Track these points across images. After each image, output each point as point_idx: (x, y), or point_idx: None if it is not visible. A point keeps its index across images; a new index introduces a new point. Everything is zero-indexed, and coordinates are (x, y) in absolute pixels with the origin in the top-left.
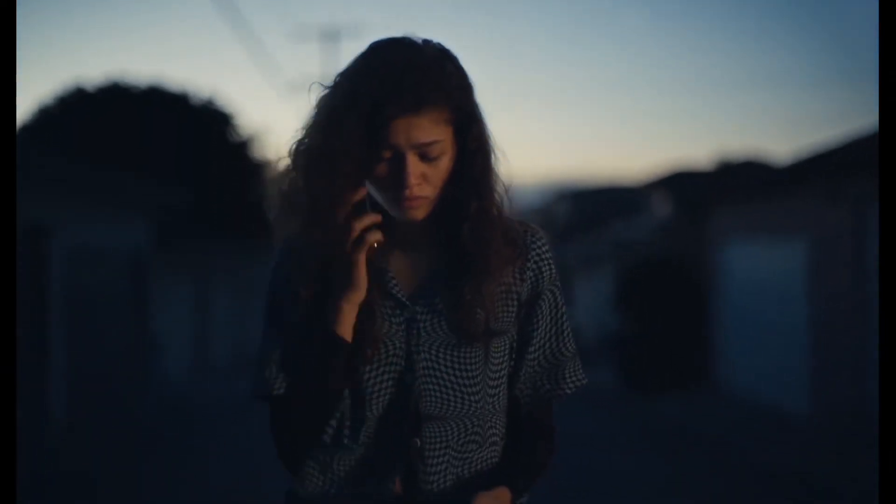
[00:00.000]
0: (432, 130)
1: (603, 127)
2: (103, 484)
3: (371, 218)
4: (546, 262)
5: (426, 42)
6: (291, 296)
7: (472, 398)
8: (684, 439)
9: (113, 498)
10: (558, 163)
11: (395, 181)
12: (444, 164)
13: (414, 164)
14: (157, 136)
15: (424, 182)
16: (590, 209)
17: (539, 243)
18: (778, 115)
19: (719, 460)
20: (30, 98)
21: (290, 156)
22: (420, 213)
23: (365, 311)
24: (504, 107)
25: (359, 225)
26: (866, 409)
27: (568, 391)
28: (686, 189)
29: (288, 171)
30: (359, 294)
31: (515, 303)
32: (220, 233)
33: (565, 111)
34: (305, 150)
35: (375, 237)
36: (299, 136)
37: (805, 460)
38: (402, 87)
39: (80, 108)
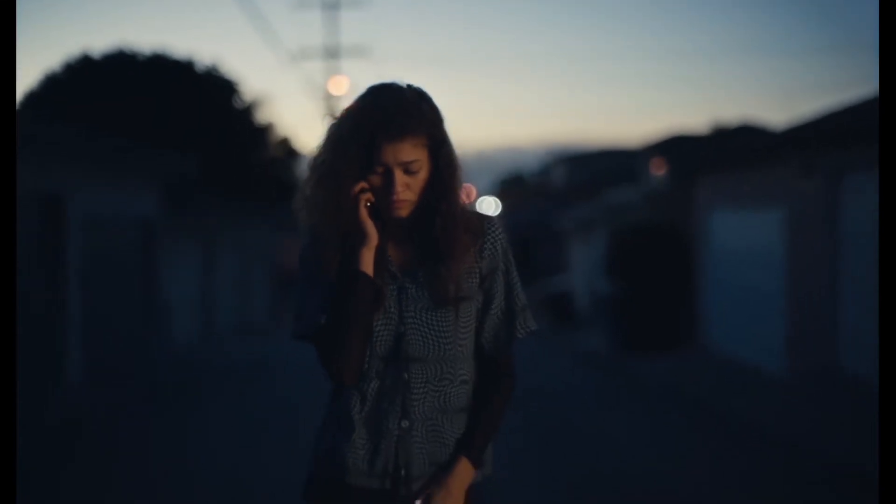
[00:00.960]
0: (412, 152)
1: (604, 92)
2: (118, 438)
3: (361, 184)
4: (499, 242)
5: (409, 86)
6: (322, 264)
7: (445, 347)
8: (669, 396)
9: (127, 451)
10: (559, 127)
11: (386, 189)
12: (422, 176)
13: (399, 177)
14: (163, 103)
15: (408, 189)
16: (587, 173)
17: (493, 229)
18: (774, 83)
19: (699, 415)
20: (37, 69)
21: (309, 168)
22: (404, 212)
23: (368, 279)
24: (507, 73)
25: (356, 190)
26: (836, 369)
27: (519, 336)
28: (681, 154)
29: (309, 178)
30: (372, 240)
31: (477, 276)
32: (225, 198)
33: (567, 77)
34: (320, 166)
35: (367, 196)
36: (316, 154)
37: (779, 416)
38: (390, 122)
39: (87, 75)
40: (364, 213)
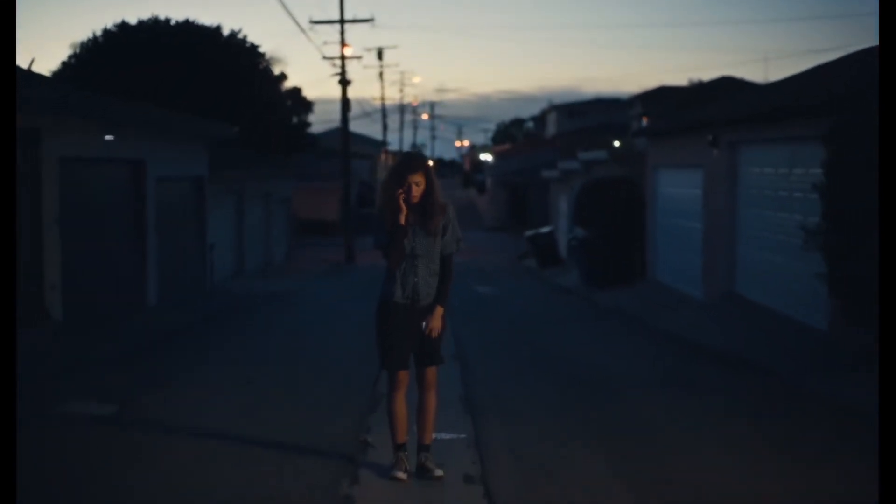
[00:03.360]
0: (418, 177)
1: (599, 43)
2: (200, 340)
3: (400, 190)
4: (450, 211)
5: (418, 151)
6: (385, 220)
7: (430, 252)
8: (615, 315)
9: (211, 346)
10: (558, 74)
11: (408, 192)
12: (422, 186)
13: (413, 187)
14: (193, 64)
15: (417, 191)
16: (580, 122)
17: (449, 207)
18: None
19: (633, 325)
20: (67, 40)
21: (381, 183)
22: (416, 201)
23: (403, 228)
24: (507, 24)
25: (398, 193)
26: (734, 294)
27: (456, 250)
28: (663, 105)
29: (381, 187)
30: (403, 212)
31: (443, 225)
32: (250, 152)
33: (566, 28)
34: (385, 182)
35: (401, 195)
36: (385, 177)
37: (685, 324)
38: (409, 165)
39: (125, 41)
40: (401, 202)
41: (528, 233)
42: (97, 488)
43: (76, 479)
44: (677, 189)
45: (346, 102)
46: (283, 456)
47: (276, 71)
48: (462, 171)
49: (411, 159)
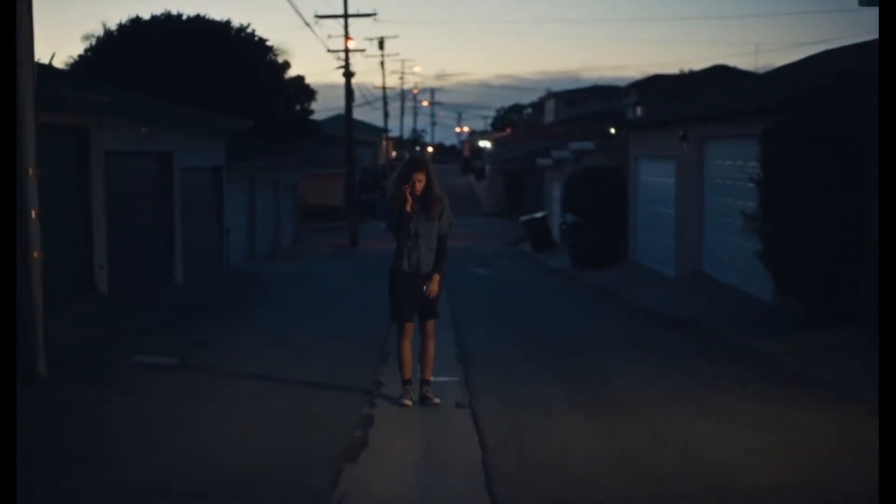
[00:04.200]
0: (421, 175)
1: (599, 34)
2: (227, 314)
3: (406, 185)
4: (445, 200)
5: (421, 155)
6: (394, 208)
7: (429, 232)
8: (597, 292)
9: (237, 317)
10: (555, 61)
11: (413, 186)
12: (424, 182)
13: (416, 183)
14: (203, 57)
15: (420, 185)
16: (578, 109)
17: (444, 198)
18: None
19: (611, 300)
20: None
21: (392, 179)
22: (418, 193)
23: (409, 214)
24: (508, 17)
25: (404, 187)
26: (700, 272)
27: (448, 231)
28: (657, 92)
29: (392, 182)
30: (409, 203)
31: (439, 212)
32: (262, 144)
33: (566, 20)
34: (395, 178)
35: (408, 188)
36: (395, 174)
37: (656, 299)
38: (414, 166)
39: (138, 36)
40: (407, 194)
41: (523, 218)
42: (179, 414)
43: (162, 410)
44: (655, 178)
45: (349, 94)
46: (316, 391)
47: (280, 60)
48: (461, 156)
49: (415, 162)
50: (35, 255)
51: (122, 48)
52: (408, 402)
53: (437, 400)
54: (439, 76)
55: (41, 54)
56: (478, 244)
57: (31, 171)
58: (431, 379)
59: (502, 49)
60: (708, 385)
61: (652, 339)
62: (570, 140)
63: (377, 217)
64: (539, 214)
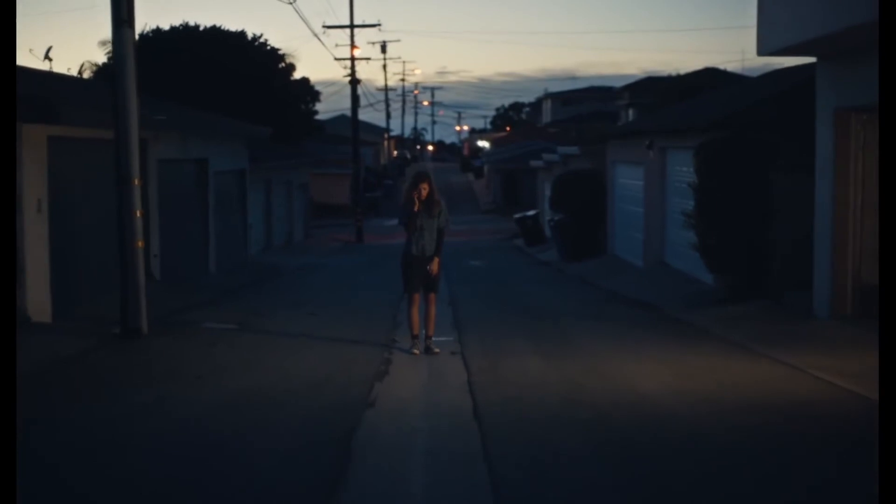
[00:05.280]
0: (425, 184)
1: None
2: (252, 294)
3: (414, 192)
4: (443, 203)
5: (425, 169)
6: (405, 208)
7: (431, 227)
8: (576, 279)
9: (260, 299)
10: (555, 58)
11: (419, 192)
12: (427, 189)
13: (422, 190)
14: (220, 66)
15: (424, 192)
16: (573, 110)
17: (442, 202)
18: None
19: (586, 286)
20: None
21: (404, 188)
22: (423, 197)
23: (416, 213)
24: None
25: (413, 192)
26: (663, 263)
27: (447, 226)
28: (652, 92)
29: (404, 189)
30: (416, 205)
31: (438, 210)
32: (276, 147)
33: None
34: (406, 187)
35: (416, 194)
36: (406, 185)
37: (622, 284)
38: (420, 176)
39: (159, 46)
40: (415, 198)
41: (517, 215)
42: (252, 357)
43: (240, 354)
44: (628, 181)
45: (355, 99)
46: (348, 345)
47: (287, 62)
48: (461, 155)
49: (421, 175)
50: (139, 244)
51: (147, 58)
52: (416, 350)
53: (437, 350)
54: (440, 73)
55: (55, 56)
56: (475, 239)
57: (136, 182)
58: (433, 336)
59: (503, 45)
60: (640, 341)
61: (610, 314)
62: (566, 140)
63: (380, 215)
64: (531, 212)
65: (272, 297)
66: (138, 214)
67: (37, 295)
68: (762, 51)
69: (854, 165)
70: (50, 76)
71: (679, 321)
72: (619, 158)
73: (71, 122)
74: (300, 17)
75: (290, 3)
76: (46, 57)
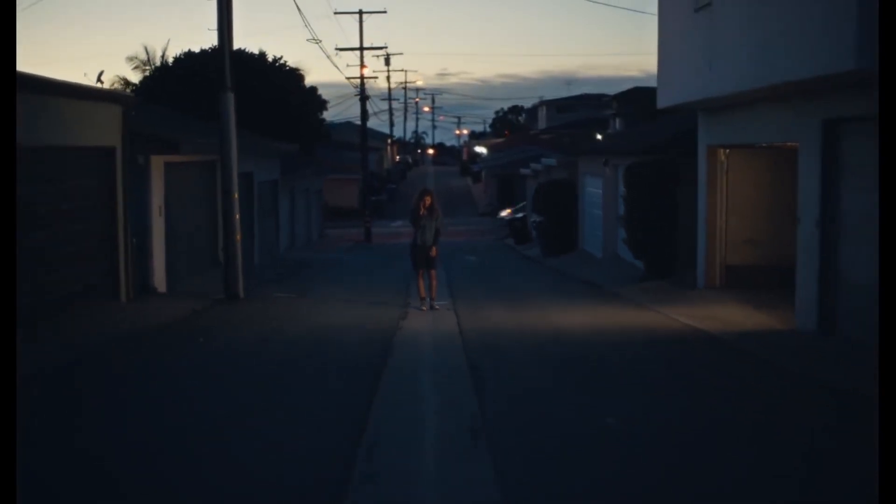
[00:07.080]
0: (428, 198)
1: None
2: (296, 277)
3: (421, 203)
4: (440, 211)
5: (429, 188)
6: (414, 214)
7: (431, 226)
8: (552, 271)
9: (303, 280)
10: (555, 60)
11: (424, 204)
12: (430, 200)
13: (426, 200)
14: (243, 85)
15: (428, 202)
16: (568, 117)
17: (439, 210)
18: None
19: (558, 275)
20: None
21: (413, 201)
22: (427, 206)
23: (421, 216)
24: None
25: (420, 204)
26: (616, 255)
27: (441, 226)
28: (640, 101)
29: (413, 202)
30: (421, 214)
31: (437, 216)
32: (296, 157)
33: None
34: (415, 199)
35: (422, 205)
36: (416, 196)
37: (582, 270)
38: (426, 193)
39: (189, 67)
40: (421, 206)
41: (507, 217)
42: (314, 311)
43: (307, 309)
44: (594, 189)
45: (364, 114)
46: (375, 306)
47: (302, 79)
48: (460, 159)
49: (426, 191)
50: (238, 237)
51: (177, 77)
52: (424, 308)
53: (437, 307)
54: (441, 75)
55: (85, 69)
56: (471, 239)
57: (235, 196)
58: (435, 298)
59: (503, 47)
60: (577, 303)
61: (568, 290)
62: (560, 146)
63: (385, 217)
64: (519, 214)
65: (312, 280)
66: (237, 217)
67: (159, 273)
68: (660, 105)
69: (720, 182)
70: (170, 117)
71: (610, 293)
72: (588, 171)
73: (183, 153)
74: (321, 49)
75: (317, 43)
76: (98, 80)
